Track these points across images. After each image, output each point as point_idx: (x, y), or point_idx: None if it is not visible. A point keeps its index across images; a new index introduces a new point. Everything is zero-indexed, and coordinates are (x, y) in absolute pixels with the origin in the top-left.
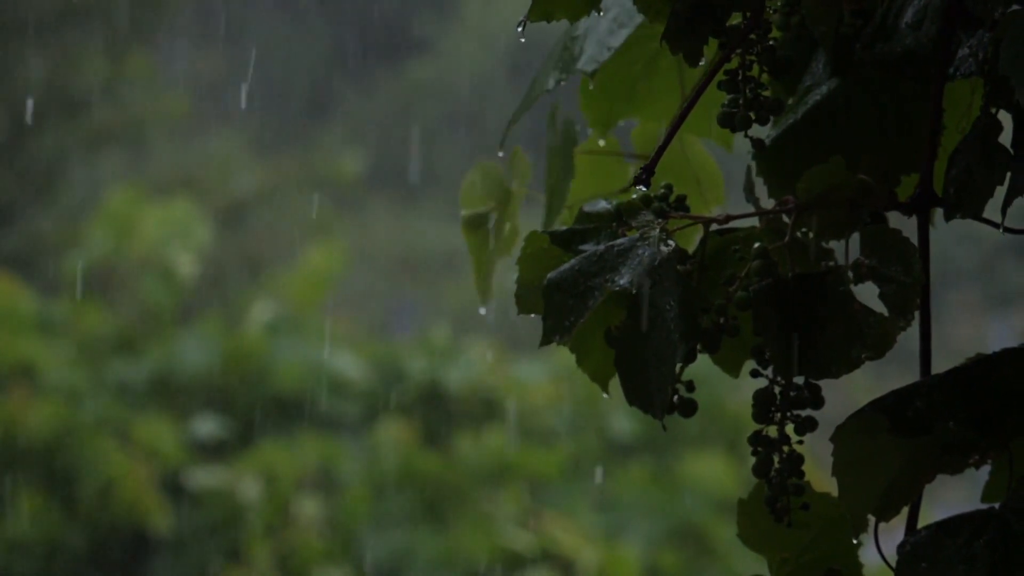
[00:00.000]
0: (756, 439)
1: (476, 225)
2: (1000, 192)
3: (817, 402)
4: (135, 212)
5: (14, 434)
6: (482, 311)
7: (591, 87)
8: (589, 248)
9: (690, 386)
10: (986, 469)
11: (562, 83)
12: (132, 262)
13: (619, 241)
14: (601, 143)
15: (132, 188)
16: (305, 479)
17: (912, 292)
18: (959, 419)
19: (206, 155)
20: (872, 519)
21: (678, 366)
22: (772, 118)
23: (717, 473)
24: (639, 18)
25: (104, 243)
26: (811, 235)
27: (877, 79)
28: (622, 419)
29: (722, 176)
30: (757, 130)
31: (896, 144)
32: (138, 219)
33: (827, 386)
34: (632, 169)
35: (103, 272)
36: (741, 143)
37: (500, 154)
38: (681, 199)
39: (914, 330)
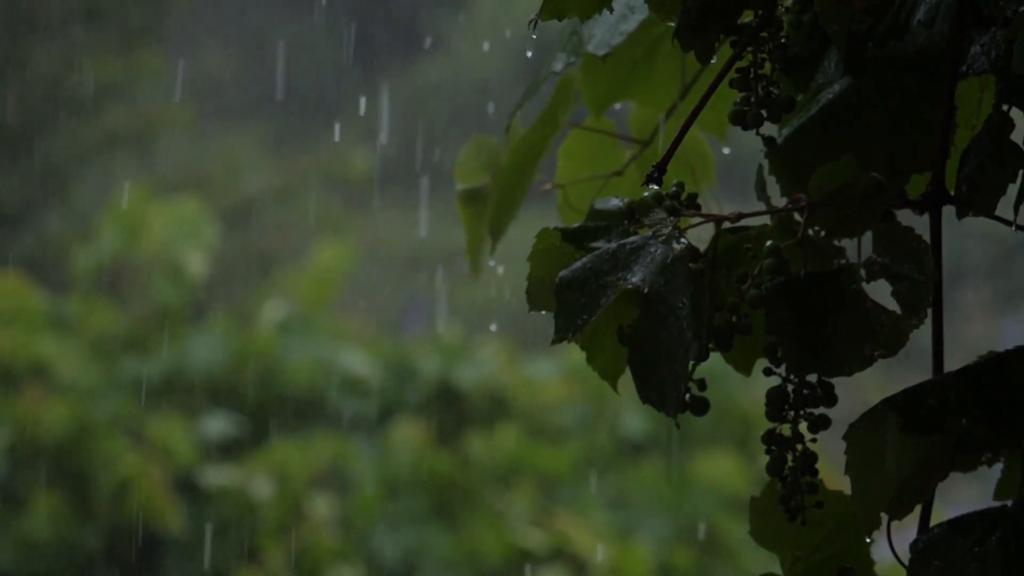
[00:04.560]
0: (770, 437)
1: (471, 199)
2: (1012, 190)
3: (830, 400)
4: (144, 211)
5: (29, 433)
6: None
7: (598, 64)
8: (601, 246)
9: (702, 384)
10: (999, 467)
11: (571, 66)
12: (142, 261)
13: (631, 239)
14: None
15: (140, 187)
16: (317, 478)
17: (925, 290)
18: (972, 417)
19: (216, 154)
20: (885, 517)
21: (690, 364)
22: (784, 116)
23: (728, 471)
24: None
25: (114, 242)
26: (823, 233)
27: (889, 77)
28: (634, 417)
29: (713, 157)
30: (769, 128)
31: (908, 142)
32: (147, 218)
33: (839, 384)
34: (627, 153)
35: (113, 271)
36: (753, 141)
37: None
38: (693, 197)
39: (926, 328)
